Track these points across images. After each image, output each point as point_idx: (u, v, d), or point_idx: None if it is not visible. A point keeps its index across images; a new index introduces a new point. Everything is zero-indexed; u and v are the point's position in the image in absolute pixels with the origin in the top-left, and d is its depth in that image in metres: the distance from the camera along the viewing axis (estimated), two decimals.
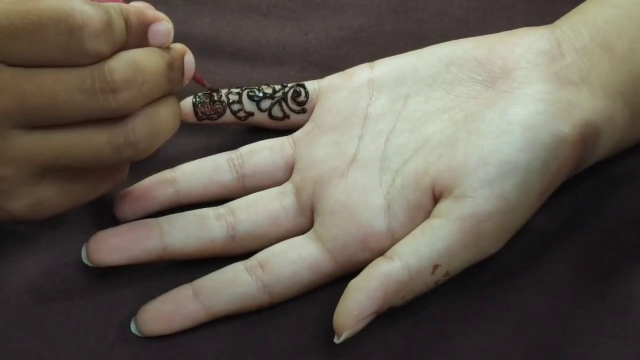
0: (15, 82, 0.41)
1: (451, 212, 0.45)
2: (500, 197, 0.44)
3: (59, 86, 0.41)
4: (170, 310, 0.47)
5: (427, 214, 0.46)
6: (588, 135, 0.46)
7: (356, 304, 0.44)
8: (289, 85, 0.52)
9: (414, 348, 0.46)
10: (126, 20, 0.42)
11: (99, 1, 0.43)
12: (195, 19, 0.57)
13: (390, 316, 0.46)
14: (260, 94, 0.51)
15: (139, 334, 0.47)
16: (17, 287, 0.48)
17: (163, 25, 0.44)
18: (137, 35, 0.43)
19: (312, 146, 0.50)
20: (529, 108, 0.46)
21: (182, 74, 0.45)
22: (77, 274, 0.49)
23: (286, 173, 0.50)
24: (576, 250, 0.49)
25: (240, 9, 0.57)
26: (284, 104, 0.51)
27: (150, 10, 0.44)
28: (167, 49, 0.44)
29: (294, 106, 0.51)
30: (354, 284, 0.45)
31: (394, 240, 0.46)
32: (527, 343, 0.46)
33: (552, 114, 0.45)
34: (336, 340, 0.44)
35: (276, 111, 0.51)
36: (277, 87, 0.52)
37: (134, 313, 0.47)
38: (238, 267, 0.47)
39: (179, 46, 0.45)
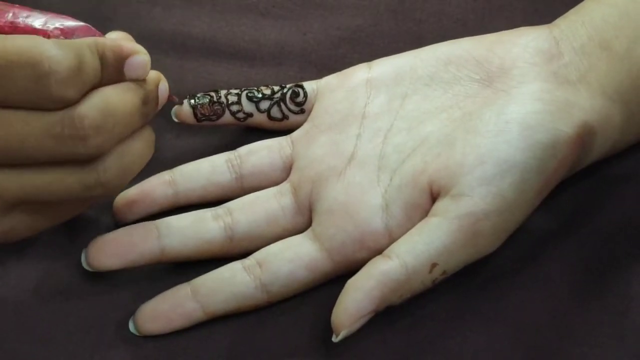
0: None
1: (448, 210, 0.45)
2: (497, 196, 0.44)
3: (27, 130, 0.40)
4: (169, 309, 0.47)
5: (425, 213, 0.46)
6: (586, 135, 0.46)
7: (354, 303, 0.44)
8: (288, 86, 0.52)
9: (413, 348, 0.46)
10: (102, 57, 0.42)
11: (75, 35, 0.43)
12: (193, 19, 0.57)
13: (389, 316, 0.46)
14: (259, 95, 0.51)
15: (137, 334, 0.47)
16: (14, 289, 0.48)
17: (140, 58, 0.43)
18: (113, 70, 0.43)
19: (310, 146, 0.50)
20: (526, 107, 0.46)
21: (157, 104, 0.45)
22: (75, 274, 0.49)
23: (285, 173, 0.50)
24: (574, 250, 0.49)
25: (239, 9, 0.57)
26: (282, 104, 0.51)
27: (127, 43, 0.43)
28: (142, 81, 0.44)
29: (292, 107, 0.51)
30: (352, 282, 0.45)
31: (392, 239, 0.46)
32: (525, 343, 0.46)
33: (550, 113, 0.45)
34: (334, 339, 0.44)
35: (275, 112, 0.51)
36: (276, 88, 0.52)
37: (131, 313, 0.47)
38: (236, 266, 0.47)
39: (153, 75, 0.45)
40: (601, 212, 0.50)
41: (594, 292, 0.47)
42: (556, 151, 0.45)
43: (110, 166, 0.42)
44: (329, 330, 0.45)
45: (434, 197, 0.46)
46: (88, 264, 0.47)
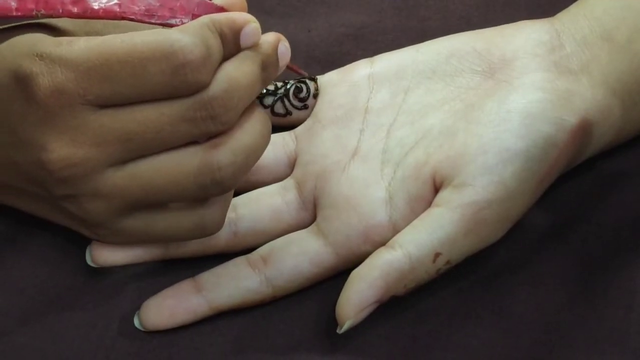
0: (117, 124, 0.41)
1: (451, 200, 0.45)
2: (499, 185, 0.44)
3: (163, 119, 0.41)
4: (173, 304, 0.47)
5: (429, 205, 0.46)
6: (587, 124, 0.46)
7: (357, 294, 0.44)
8: (291, 81, 0.52)
9: (418, 343, 0.46)
10: (220, 34, 0.42)
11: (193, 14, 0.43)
12: None
13: (393, 310, 0.46)
14: (263, 91, 0.51)
15: (142, 329, 0.47)
16: (21, 284, 0.48)
17: (250, 27, 0.43)
18: (232, 44, 0.43)
19: (314, 141, 0.50)
20: (528, 96, 0.46)
21: (277, 65, 0.44)
22: (80, 269, 0.49)
23: (289, 168, 0.50)
24: (578, 245, 0.48)
25: None
26: (286, 100, 0.51)
27: (237, 15, 0.43)
28: (257, 47, 0.43)
29: (295, 102, 0.51)
30: (356, 273, 0.45)
31: (396, 232, 0.46)
32: (531, 337, 0.46)
33: (550, 102, 0.45)
34: (339, 331, 0.44)
35: (278, 107, 0.52)
36: (279, 83, 0.52)
37: (136, 308, 0.47)
38: (241, 261, 0.47)
39: (270, 38, 0.44)
40: (604, 207, 0.50)
41: (598, 287, 0.47)
42: (558, 140, 0.45)
43: (229, 149, 0.43)
44: (333, 325, 0.45)
45: (437, 188, 0.46)
46: (92, 260, 0.48)
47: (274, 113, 0.51)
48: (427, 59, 0.50)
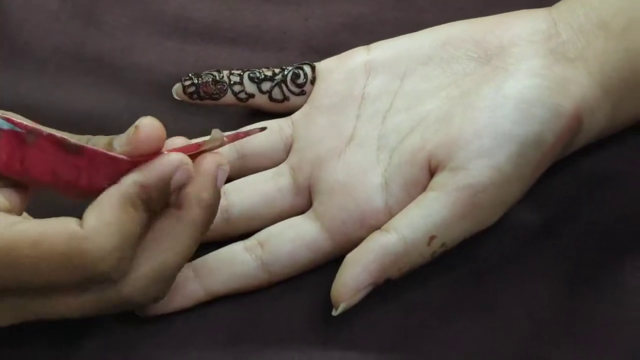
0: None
1: (446, 184, 0.45)
2: (494, 169, 0.44)
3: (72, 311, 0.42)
4: (171, 290, 0.46)
5: (424, 190, 0.46)
6: (582, 110, 0.46)
7: (352, 277, 0.44)
8: (288, 67, 0.52)
9: (408, 334, 0.46)
10: (147, 201, 0.41)
11: None
12: (195, 2, 0.57)
13: (385, 301, 0.46)
14: (261, 76, 0.51)
15: (139, 314, 0.46)
16: None
17: (180, 174, 0.42)
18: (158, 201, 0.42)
19: (310, 127, 0.50)
20: (524, 82, 0.46)
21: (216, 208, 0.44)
22: None
23: (285, 154, 0.50)
24: (570, 243, 0.48)
25: None
26: (283, 86, 0.52)
27: (164, 167, 0.42)
28: (191, 203, 0.43)
29: (293, 88, 0.51)
30: (351, 257, 0.45)
31: (392, 217, 0.46)
32: (520, 333, 0.46)
33: (547, 88, 0.45)
34: (334, 313, 0.44)
35: (276, 93, 0.52)
36: (277, 69, 0.52)
37: None
38: (237, 246, 0.48)
39: (207, 179, 0.43)
40: (595, 205, 0.49)
41: (589, 284, 0.47)
42: (554, 125, 0.45)
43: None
44: (325, 314, 0.45)
45: (432, 173, 0.46)
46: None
47: (271, 99, 0.52)
48: (423, 46, 0.50)
